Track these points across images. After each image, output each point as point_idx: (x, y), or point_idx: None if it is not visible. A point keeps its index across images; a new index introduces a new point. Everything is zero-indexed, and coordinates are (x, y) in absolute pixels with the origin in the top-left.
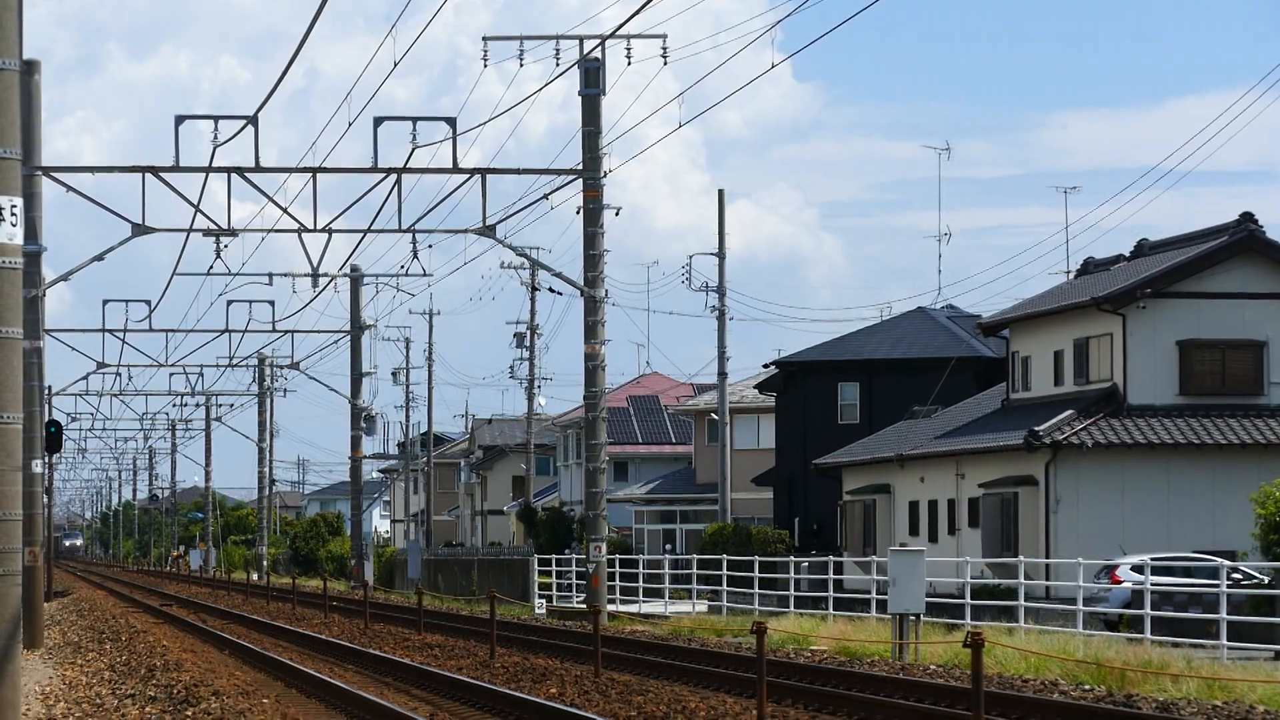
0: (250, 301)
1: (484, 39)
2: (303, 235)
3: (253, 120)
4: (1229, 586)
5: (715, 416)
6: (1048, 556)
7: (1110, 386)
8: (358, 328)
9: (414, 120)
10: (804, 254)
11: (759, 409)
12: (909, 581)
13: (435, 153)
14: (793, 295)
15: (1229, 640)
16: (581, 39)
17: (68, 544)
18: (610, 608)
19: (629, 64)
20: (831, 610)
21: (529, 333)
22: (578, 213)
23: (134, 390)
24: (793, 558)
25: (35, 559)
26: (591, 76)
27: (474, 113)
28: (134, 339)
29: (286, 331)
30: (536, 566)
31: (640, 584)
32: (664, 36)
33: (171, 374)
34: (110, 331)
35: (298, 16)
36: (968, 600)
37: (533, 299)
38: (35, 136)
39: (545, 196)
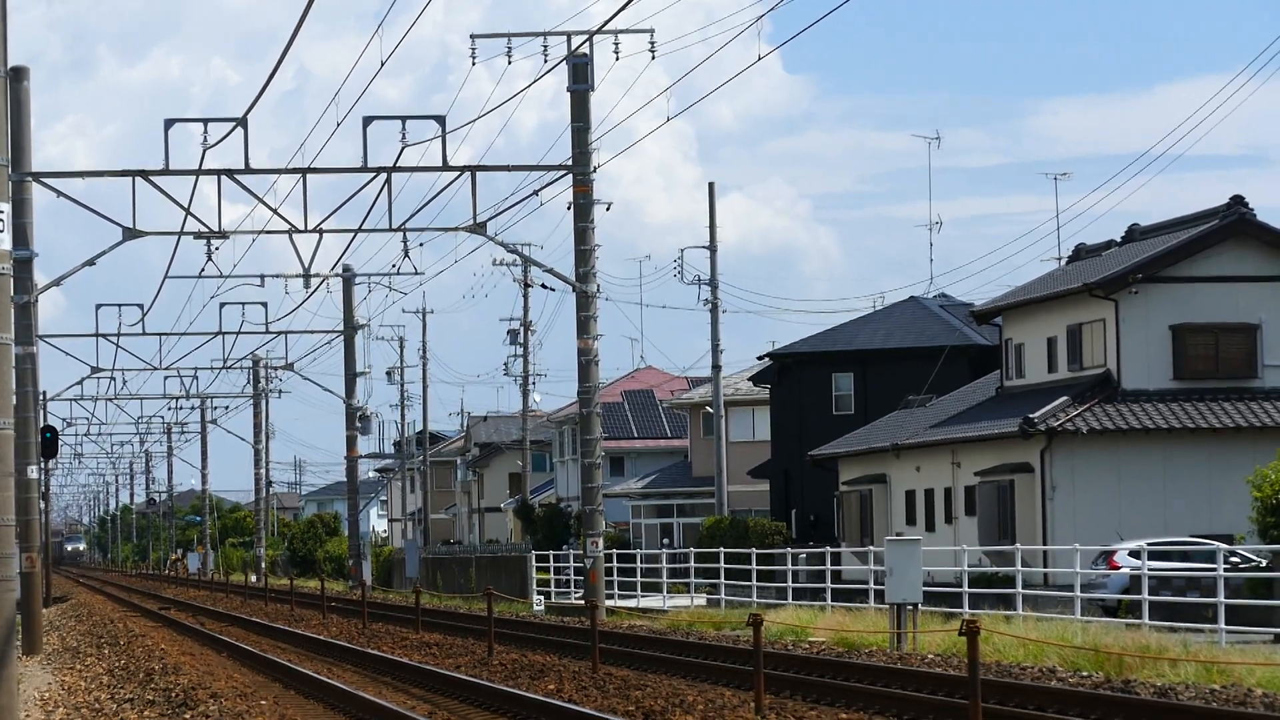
0: (243, 303)
1: (472, 37)
2: (294, 236)
3: (242, 122)
4: (1226, 570)
5: (710, 410)
6: (1045, 543)
7: (1104, 372)
8: (351, 328)
9: (403, 119)
10: (797, 246)
11: (754, 401)
12: (906, 571)
13: (425, 151)
14: (787, 287)
15: (1227, 624)
16: (569, 35)
17: (69, 548)
18: (608, 603)
19: (617, 59)
20: (829, 601)
21: (522, 329)
22: (568, 208)
23: (129, 394)
24: (790, 549)
25: (33, 565)
26: (579, 72)
27: (464, 110)
28: (128, 343)
29: (280, 333)
30: (534, 563)
31: (638, 578)
32: (651, 31)
33: (166, 377)
34: (104, 336)
35: (288, 18)
36: (965, 589)
37: (525, 295)
38: (25, 143)
39: (535, 193)
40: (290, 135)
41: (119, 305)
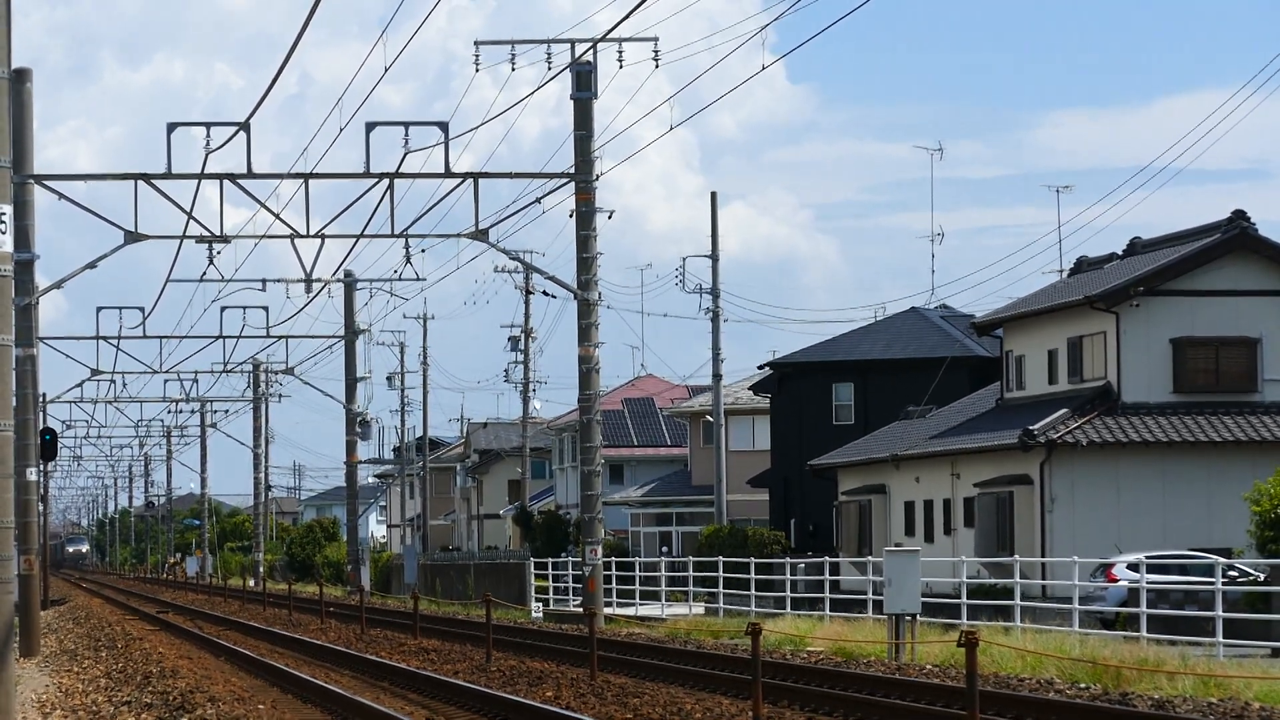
0: (244, 307)
1: (476, 44)
2: (295, 241)
3: (245, 127)
4: (1225, 584)
5: (710, 418)
6: (1043, 555)
7: (1104, 385)
8: (352, 333)
9: (406, 125)
10: (799, 255)
11: (754, 410)
12: (905, 582)
13: (427, 157)
14: (788, 297)
15: (1225, 638)
16: (573, 43)
17: (71, 550)
18: (607, 610)
19: (620, 67)
20: (828, 611)
21: (523, 336)
22: (570, 216)
23: (129, 397)
24: (789, 559)
25: (31, 567)
26: (583, 80)
27: (467, 117)
28: (128, 346)
29: (280, 337)
30: (533, 570)
31: (637, 586)
32: (655, 39)
33: (166, 381)
34: (104, 339)
35: (291, 22)
36: (964, 600)
37: (526, 302)
38: (27, 144)
39: (538, 200)
40: (293, 140)
41: (120, 308)
